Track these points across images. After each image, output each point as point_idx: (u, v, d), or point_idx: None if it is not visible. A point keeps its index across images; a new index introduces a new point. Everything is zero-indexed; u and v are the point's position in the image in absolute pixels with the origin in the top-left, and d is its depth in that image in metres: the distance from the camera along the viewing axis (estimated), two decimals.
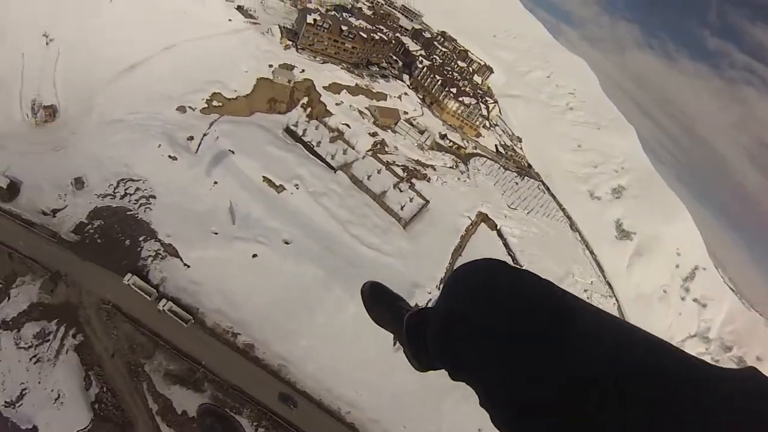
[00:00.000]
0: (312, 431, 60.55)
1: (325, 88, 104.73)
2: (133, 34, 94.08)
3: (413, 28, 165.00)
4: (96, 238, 66.09)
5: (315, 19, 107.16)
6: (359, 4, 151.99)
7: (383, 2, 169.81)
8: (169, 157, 76.28)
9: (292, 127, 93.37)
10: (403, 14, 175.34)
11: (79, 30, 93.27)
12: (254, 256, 68.53)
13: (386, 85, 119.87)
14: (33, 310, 61.24)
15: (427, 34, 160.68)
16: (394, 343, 3.93)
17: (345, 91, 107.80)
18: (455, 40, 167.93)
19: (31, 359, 58.59)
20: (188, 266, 65.55)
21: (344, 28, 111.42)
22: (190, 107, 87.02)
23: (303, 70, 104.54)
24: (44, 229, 66.31)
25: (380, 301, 4.21)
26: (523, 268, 2.67)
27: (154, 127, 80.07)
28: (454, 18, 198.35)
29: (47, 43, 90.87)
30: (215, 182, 75.73)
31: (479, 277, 2.53)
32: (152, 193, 71.28)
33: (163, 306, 61.05)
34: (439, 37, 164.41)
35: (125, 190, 71.22)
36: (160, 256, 65.86)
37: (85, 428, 56.10)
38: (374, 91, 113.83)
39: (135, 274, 62.55)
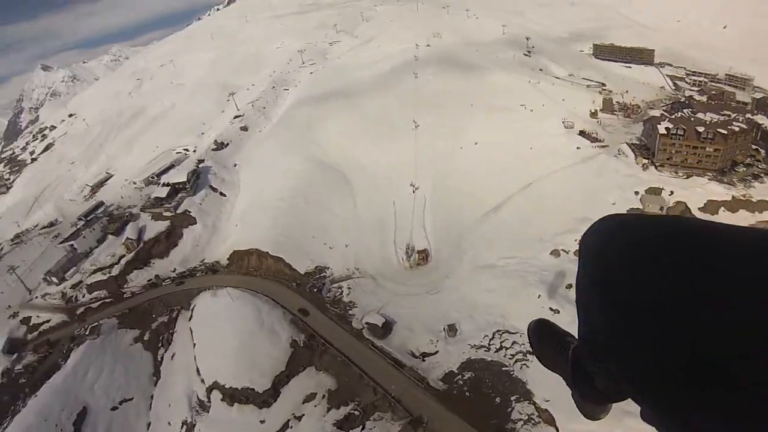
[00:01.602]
0: None
1: (700, 209, 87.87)
2: (490, 174, 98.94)
3: (753, 99, 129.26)
4: (465, 391, 61.66)
5: (667, 128, 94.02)
6: (687, 93, 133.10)
7: (707, 80, 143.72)
8: (551, 309, 69.26)
9: None
10: (731, 86, 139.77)
11: (440, 177, 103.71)
12: None
13: (763, 188, 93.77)
14: None
15: None
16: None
17: (722, 208, 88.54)
18: None
19: None
20: None
21: (700, 129, 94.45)
22: (563, 250, 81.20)
23: (671, 192, 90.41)
24: (412, 372, 65.29)
25: (545, 338, 3.66)
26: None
27: (530, 274, 76.12)
28: None
29: (414, 191, 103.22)
30: None
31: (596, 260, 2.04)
32: (531, 349, 64.50)
33: None
34: None
35: (501, 342, 66.46)
36: (532, 422, 57.26)
37: None
38: (754, 200, 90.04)
39: None
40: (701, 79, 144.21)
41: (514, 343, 65.28)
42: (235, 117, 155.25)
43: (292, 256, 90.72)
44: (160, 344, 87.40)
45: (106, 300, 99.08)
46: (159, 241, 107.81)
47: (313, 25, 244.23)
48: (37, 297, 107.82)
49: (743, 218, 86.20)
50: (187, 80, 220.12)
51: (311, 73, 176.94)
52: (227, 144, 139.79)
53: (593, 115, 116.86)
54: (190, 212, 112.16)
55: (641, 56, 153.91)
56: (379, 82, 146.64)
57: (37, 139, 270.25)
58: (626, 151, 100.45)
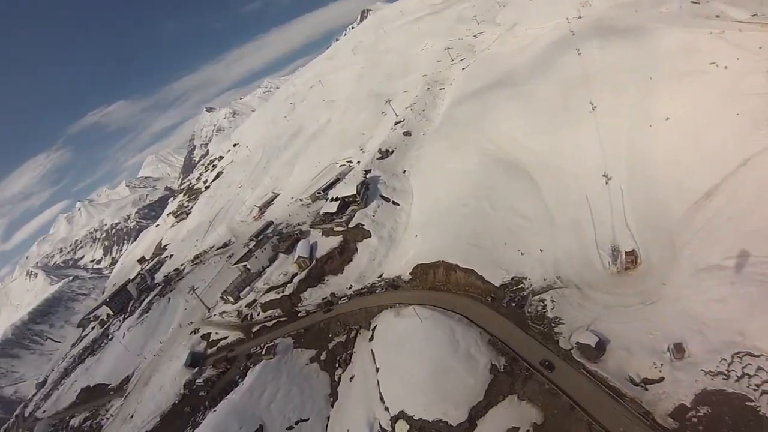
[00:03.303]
0: None
1: None
2: (692, 153, 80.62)
3: None
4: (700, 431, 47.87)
5: None
6: None
7: None
8: None
9: None
10: None
11: (633, 163, 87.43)
12: None
13: None
14: None
15: None
16: None
17: None
18: None
19: None
20: None
21: None
22: None
23: None
24: (634, 404, 52.99)
25: None
26: None
27: (763, 277, 57.90)
28: None
29: (606, 183, 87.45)
30: None
31: None
32: None
33: None
34: None
35: (742, 369, 50.47)
36: None
37: None
38: None
39: None
40: None
41: (759, 369, 49.17)
42: (396, 123, 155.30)
43: (484, 267, 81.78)
44: (337, 365, 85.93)
45: (281, 319, 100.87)
46: (332, 257, 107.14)
47: (450, 21, 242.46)
48: (215, 315, 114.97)
49: None
50: (338, 96, 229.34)
51: (463, 68, 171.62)
52: (392, 151, 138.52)
53: None
54: (363, 225, 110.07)
55: None
56: (537, 65, 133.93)
57: (208, 169, 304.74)
58: None
